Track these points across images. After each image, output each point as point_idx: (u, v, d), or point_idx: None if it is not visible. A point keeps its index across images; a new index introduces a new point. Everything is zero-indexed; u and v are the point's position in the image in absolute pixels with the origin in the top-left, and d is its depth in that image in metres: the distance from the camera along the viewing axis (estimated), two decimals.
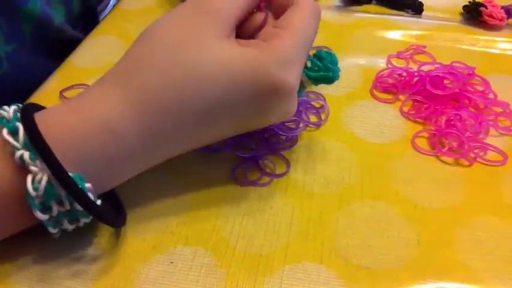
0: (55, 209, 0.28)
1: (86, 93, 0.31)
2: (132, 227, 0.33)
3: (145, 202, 0.34)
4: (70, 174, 0.27)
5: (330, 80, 0.35)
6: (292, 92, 0.31)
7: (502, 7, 0.53)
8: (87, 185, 0.28)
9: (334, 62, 0.35)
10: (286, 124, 0.40)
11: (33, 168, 0.27)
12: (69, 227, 0.30)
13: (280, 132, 0.39)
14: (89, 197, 0.28)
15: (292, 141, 0.39)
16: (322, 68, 0.35)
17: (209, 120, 0.31)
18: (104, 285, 0.30)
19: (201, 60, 0.29)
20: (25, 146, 0.27)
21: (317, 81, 0.35)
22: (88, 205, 0.28)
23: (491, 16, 0.52)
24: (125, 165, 0.30)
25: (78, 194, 0.27)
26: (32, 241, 0.32)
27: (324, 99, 0.43)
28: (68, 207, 0.28)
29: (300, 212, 0.34)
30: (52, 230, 0.29)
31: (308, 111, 0.42)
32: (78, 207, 0.28)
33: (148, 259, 0.31)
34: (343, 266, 0.31)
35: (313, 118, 0.41)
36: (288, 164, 0.37)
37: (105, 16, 0.55)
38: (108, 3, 0.63)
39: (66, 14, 0.43)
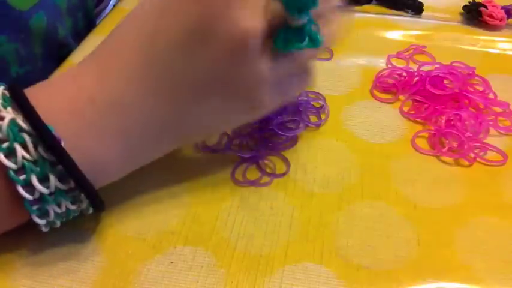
0: (19, 152, 0.27)
1: (62, 75, 0.31)
2: (132, 227, 0.33)
3: (145, 202, 0.35)
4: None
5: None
6: (257, 37, 0.28)
7: (502, 7, 0.53)
8: (57, 134, 0.27)
9: None
10: (286, 124, 0.40)
11: (3, 112, 0.27)
12: (56, 210, 0.28)
13: (280, 132, 0.39)
14: (53, 135, 0.27)
15: (292, 141, 0.39)
16: None
17: (168, 71, 0.29)
18: (104, 285, 0.30)
19: (167, 28, 0.29)
20: None
21: (291, 4, 0.28)
22: (50, 143, 0.27)
23: (491, 16, 0.52)
24: (95, 124, 0.29)
25: (41, 131, 0.27)
26: (31, 241, 0.32)
27: (324, 99, 0.43)
28: (33, 153, 0.27)
29: (300, 212, 0.34)
30: (39, 221, 0.28)
31: (308, 111, 0.42)
32: (44, 154, 0.27)
33: (148, 259, 0.31)
34: (343, 266, 0.31)
35: (313, 118, 0.41)
36: (288, 164, 0.37)
37: (105, 16, 0.55)
38: (108, 3, 0.63)
39: (72, 27, 0.44)
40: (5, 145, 0.27)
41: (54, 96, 0.29)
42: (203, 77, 0.29)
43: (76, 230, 0.33)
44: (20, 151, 0.27)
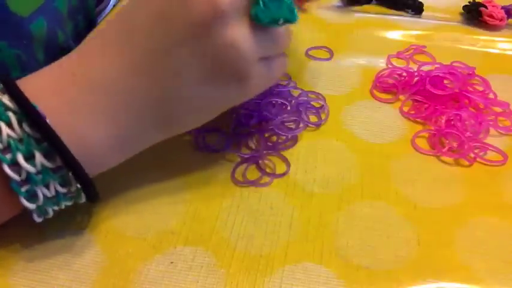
0: (4, 131, 0.27)
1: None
2: (133, 227, 0.33)
3: (145, 202, 0.35)
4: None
5: None
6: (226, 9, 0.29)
7: (502, 7, 0.53)
8: (42, 111, 0.27)
9: None
10: (286, 124, 0.40)
11: None
12: (46, 194, 0.28)
13: (280, 132, 0.39)
14: (38, 112, 0.27)
15: (292, 141, 0.39)
16: None
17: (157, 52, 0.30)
18: (104, 285, 0.30)
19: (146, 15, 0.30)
20: None
21: None
22: (35, 120, 0.27)
23: (491, 16, 0.52)
24: (78, 103, 0.29)
25: (26, 108, 0.27)
26: (31, 241, 0.32)
27: (324, 99, 0.43)
28: (18, 130, 0.27)
29: (300, 212, 0.34)
30: (28, 204, 0.28)
31: (308, 111, 0.42)
32: (29, 131, 0.27)
33: (148, 259, 0.31)
34: (343, 266, 0.31)
35: (313, 118, 0.41)
36: (288, 164, 0.37)
37: (105, 16, 0.55)
38: (108, 3, 0.63)
39: (73, 30, 0.44)
40: None
41: (39, 77, 0.30)
42: (181, 52, 0.30)
43: (76, 230, 0.33)
44: (5, 129, 0.27)
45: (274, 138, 0.39)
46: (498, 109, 0.42)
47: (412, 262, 0.31)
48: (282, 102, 0.41)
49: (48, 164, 0.28)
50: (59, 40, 0.38)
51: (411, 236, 0.33)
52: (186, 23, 0.29)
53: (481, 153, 0.39)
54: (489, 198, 0.36)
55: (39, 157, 0.27)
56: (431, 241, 0.33)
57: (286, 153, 0.38)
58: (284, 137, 0.39)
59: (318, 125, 0.41)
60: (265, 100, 0.41)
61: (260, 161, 0.38)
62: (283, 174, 0.37)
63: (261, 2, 0.30)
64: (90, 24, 0.55)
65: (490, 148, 0.39)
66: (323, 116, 0.42)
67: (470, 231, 0.33)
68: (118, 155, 0.32)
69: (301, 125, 0.40)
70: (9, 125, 0.27)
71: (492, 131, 0.40)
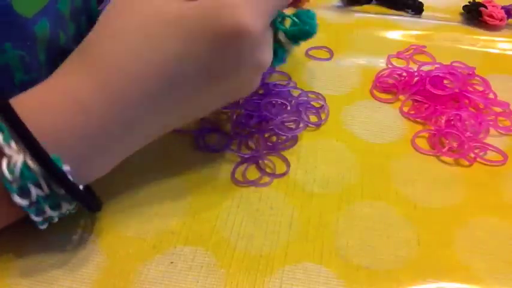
0: (33, 192, 0.27)
1: (57, 72, 0.30)
2: (133, 227, 0.33)
3: (145, 202, 0.34)
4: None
5: (306, 34, 0.34)
6: (258, 36, 0.29)
7: (502, 7, 0.53)
8: (65, 167, 0.28)
9: (311, 17, 0.35)
10: (286, 124, 0.40)
11: (7, 150, 0.26)
12: (52, 214, 0.29)
13: (280, 132, 0.39)
14: (66, 176, 0.27)
15: (292, 141, 0.39)
16: (298, 23, 0.34)
17: (177, 82, 0.30)
18: (104, 285, 0.30)
19: (153, 23, 0.29)
20: None
21: (295, 37, 0.35)
22: (66, 184, 0.27)
23: (491, 16, 0.52)
24: (101, 144, 0.29)
25: (55, 173, 0.27)
26: (31, 241, 0.32)
27: (324, 99, 0.43)
28: (46, 190, 0.27)
29: (300, 212, 0.34)
30: (35, 218, 0.28)
31: (308, 111, 0.42)
32: (57, 190, 0.27)
33: (148, 259, 0.31)
34: (343, 266, 0.31)
35: (313, 118, 0.41)
36: (288, 164, 0.37)
37: None
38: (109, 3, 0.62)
39: (75, 32, 0.43)
40: None
41: (31, 97, 0.29)
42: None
43: (76, 230, 0.33)
44: (19, 162, 0.27)
45: (274, 138, 0.39)
46: (498, 109, 0.42)
47: (412, 262, 0.31)
48: (282, 102, 0.41)
49: (57, 190, 0.28)
50: (60, 41, 0.38)
51: (411, 236, 0.33)
52: (208, 44, 0.29)
53: (481, 153, 0.39)
54: (489, 198, 0.36)
55: (45, 186, 0.27)
56: (431, 241, 0.33)
57: (286, 153, 0.38)
58: (284, 137, 0.39)
59: (318, 125, 0.41)
60: (265, 100, 0.41)
61: (260, 161, 0.38)
62: (283, 174, 0.37)
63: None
64: (93, 25, 0.55)
65: (490, 148, 0.39)
66: (323, 116, 0.42)
67: (470, 231, 0.33)
68: (109, 158, 0.31)
69: (301, 125, 0.40)
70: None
71: (492, 131, 0.40)
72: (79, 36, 0.49)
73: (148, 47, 0.29)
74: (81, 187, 0.29)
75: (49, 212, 0.29)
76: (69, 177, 0.28)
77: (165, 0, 0.30)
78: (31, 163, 0.27)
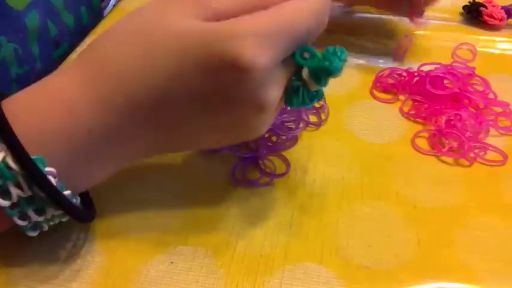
0: (14, 193, 0.26)
1: (52, 73, 0.30)
2: (133, 227, 0.33)
3: (145, 202, 0.34)
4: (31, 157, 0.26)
5: (326, 71, 0.30)
6: (261, 73, 0.26)
7: (502, 7, 0.53)
8: (49, 168, 0.27)
9: (336, 53, 0.30)
10: (286, 124, 0.40)
11: None
12: (38, 219, 0.28)
13: (280, 132, 0.39)
14: (46, 177, 0.26)
15: (292, 141, 0.39)
16: (319, 57, 0.30)
17: (166, 101, 0.28)
18: (104, 285, 0.30)
19: (155, 34, 0.28)
20: None
21: (315, 73, 0.30)
22: (46, 186, 0.26)
23: (491, 16, 0.52)
24: (88, 150, 0.28)
25: (34, 174, 0.26)
26: (31, 241, 0.32)
27: (324, 99, 0.43)
28: (27, 191, 0.27)
29: (300, 212, 0.34)
30: (19, 222, 0.28)
31: (308, 111, 0.42)
32: (39, 192, 0.27)
33: (149, 259, 0.31)
34: (343, 266, 0.31)
35: (313, 118, 0.41)
36: (288, 164, 0.37)
37: (106, 15, 0.55)
38: (109, 3, 0.63)
39: (75, 24, 0.43)
40: None
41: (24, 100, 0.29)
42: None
43: (76, 230, 0.33)
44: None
45: (274, 138, 0.39)
46: (498, 109, 0.42)
47: (412, 262, 0.31)
48: None
49: (39, 193, 0.27)
50: (50, 33, 0.38)
51: (411, 236, 0.33)
52: (204, 69, 0.27)
53: (481, 153, 0.39)
54: (489, 198, 0.36)
55: (26, 187, 0.27)
56: (431, 241, 0.33)
57: (286, 153, 0.38)
58: (284, 137, 0.39)
59: (318, 125, 0.41)
60: None
61: (260, 161, 0.38)
62: (283, 174, 0.37)
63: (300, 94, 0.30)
64: (98, 16, 0.54)
65: (490, 148, 0.39)
66: (323, 116, 0.42)
67: (470, 231, 0.33)
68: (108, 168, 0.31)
69: (301, 125, 0.40)
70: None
71: (492, 131, 0.40)
72: (80, 27, 0.48)
73: (142, 58, 0.27)
74: (67, 192, 0.28)
75: (34, 216, 0.28)
76: (52, 179, 0.27)
77: (181, 15, 0.28)
78: (11, 163, 0.26)
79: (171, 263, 0.31)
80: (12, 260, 0.31)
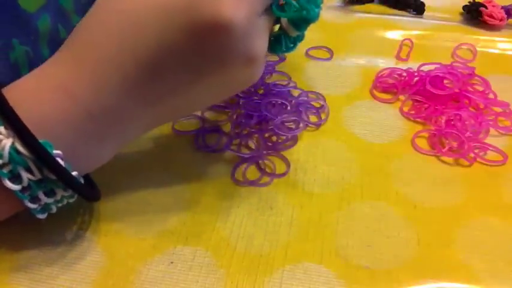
0: (25, 177, 0.27)
1: (48, 60, 0.30)
2: (132, 226, 0.33)
3: (145, 202, 0.34)
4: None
5: (304, 20, 0.31)
6: (243, 27, 0.27)
7: (502, 7, 0.53)
8: (56, 151, 0.27)
9: (312, 1, 0.31)
10: (286, 124, 0.40)
11: None
12: (48, 201, 0.29)
13: (280, 132, 0.39)
14: (55, 159, 0.27)
15: (292, 141, 0.39)
16: (297, 7, 0.31)
17: (159, 73, 0.28)
18: (104, 285, 0.30)
19: (140, 8, 0.28)
20: None
21: (294, 23, 0.31)
22: (56, 168, 0.27)
23: (491, 16, 0.52)
24: (91, 131, 0.29)
25: (44, 157, 0.27)
26: (31, 241, 0.32)
27: (324, 99, 0.43)
28: (38, 174, 0.27)
29: (300, 212, 0.34)
30: (30, 205, 0.28)
31: (308, 111, 0.42)
32: (49, 175, 0.27)
33: (149, 259, 0.31)
34: (343, 266, 0.31)
35: (313, 118, 0.41)
36: (288, 164, 0.37)
37: None
38: None
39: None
40: None
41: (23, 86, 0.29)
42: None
43: (76, 230, 0.33)
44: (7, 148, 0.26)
45: (274, 138, 0.39)
46: (498, 109, 0.42)
47: (412, 262, 0.31)
48: (282, 102, 0.41)
49: (49, 175, 0.28)
50: (60, 36, 0.38)
51: (411, 236, 0.33)
52: (189, 32, 0.27)
53: (481, 153, 0.39)
54: (489, 198, 0.36)
55: (36, 171, 0.27)
56: (431, 241, 0.33)
57: (286, 153, 0.38)
58: (284, 137, 0.39)
59: (318, 125, 0.41)
60: (265, 100, 0.41)
61: (260, 161, 0.38)
62: (283, 174, 0.37)
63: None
64: None
65: (490, 148, 0.39)
66: (323, 116, 0.42)
67: (470, 231, 0.33)
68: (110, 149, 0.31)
69: (301, 125, 0.40)
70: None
71: (492, 131, 0.40)
72: None
73: (130, 31, 0.28)
74: (74, 173, 0.29)
75: (44, 198, 0.28)
76: (60, 161, 0.27)
77: None
78: (20, 147, 0.26)
79: (171, 263, 0.31)
80: (11, 260, 0.31)
